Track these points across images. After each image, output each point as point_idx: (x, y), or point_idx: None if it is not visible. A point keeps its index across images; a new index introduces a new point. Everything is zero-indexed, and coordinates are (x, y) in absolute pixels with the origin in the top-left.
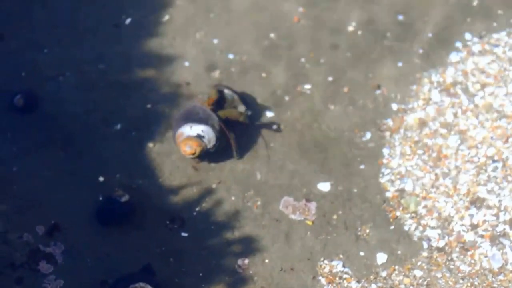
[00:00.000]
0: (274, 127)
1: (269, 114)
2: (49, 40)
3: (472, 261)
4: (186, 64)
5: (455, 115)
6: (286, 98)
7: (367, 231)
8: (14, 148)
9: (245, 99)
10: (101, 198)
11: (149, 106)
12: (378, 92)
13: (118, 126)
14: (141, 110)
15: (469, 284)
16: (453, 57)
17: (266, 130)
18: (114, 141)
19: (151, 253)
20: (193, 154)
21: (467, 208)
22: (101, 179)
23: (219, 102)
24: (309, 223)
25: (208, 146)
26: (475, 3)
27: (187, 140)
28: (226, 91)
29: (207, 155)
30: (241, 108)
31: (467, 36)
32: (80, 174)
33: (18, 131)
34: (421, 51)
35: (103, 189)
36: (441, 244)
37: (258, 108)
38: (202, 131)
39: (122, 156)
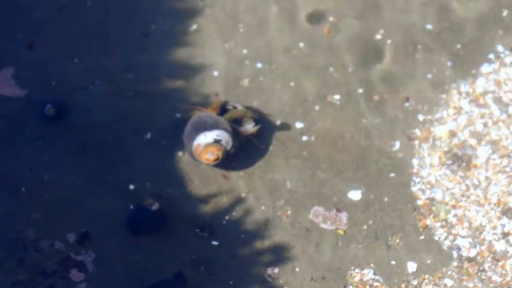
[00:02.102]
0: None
1: (298, 125)
2: (79, 50)
3: (503, 272)
4: (215, 73)
5: (485, 125)
6: (316, 108)
7: (397, 240)
8: (45, 157)
9: (257, 113)
10: (131, 207)
11: (178, 115)
12: (407, 103)
13: (148, 135)
14: (171, 119)
15: None
16: (485, 68)
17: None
18: (144, 150)
19: (181, 262)
20: (217, 159)
21: (499, 218)
22: (131, 187)
23: (223, 109)
24: (341, 232)
25: (228, 148)
26: (505, 15)
27: (207, 148)
28: (237, 105)
29: (229, 158)
30: (251, 123)
31: (500, 48)
32: (111, 182)
33: (49, 140)
34: (450, 63)
35: (133, 197)
36: (473, 253)
37: (287, 118)
38: (217, 135)
39: (152, 165)
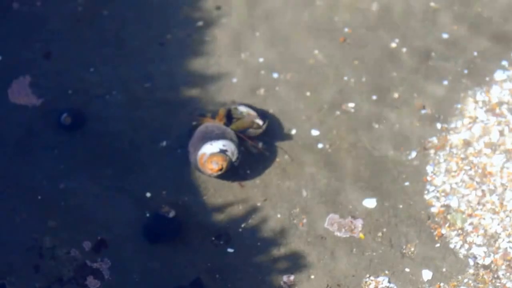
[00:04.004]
0: (260, 145)
1: (314, 133)
2: (95, 59)
3: None
4: (231, 83)
5: (501, 133)
6: (331, 116)
7: (412, 248)
8: (61, 166)
9: (265, 115)
10: (147, 215)
11: (194, 123)
12: (423, 111)
13: (164, 143)
14: (187, 127)
15: None
16: (499, 75)
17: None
18: (160, 158)
19: (197, 269)
20: (221, 169)
21: None
22: (147, 195)
23: (229, 118)
24: (362, 236)
25: (233, 159)
26: None
27: (212, 158)
28: (240, 107)
29: (233, 170)
30: (259, 121)
31: None
32: (127, 190)
33: (66, 148)
34: (466, 71)
35: (149, 205)
36: (487, 261)
37: (303, 126)
38: (223, 145)
39: (168, 173)
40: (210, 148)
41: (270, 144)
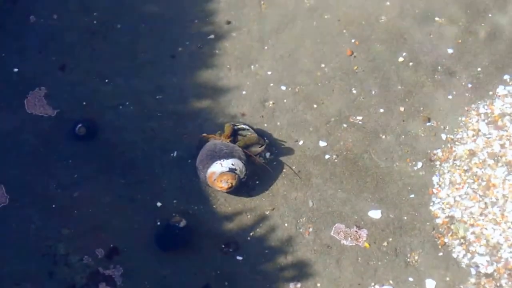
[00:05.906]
0: (268, 154)
1: (322, 144)
2: (109, 71)
3: None
4: (241, 95)
5: (502, 146)
6: (338, 128)
7: (416, 257)
8: (75, 175)
9: (262, 134)
10: (158, 223)
11: (204, 134)
12: (428, 124)
13: (175, 154)
14: (197, 138)
15: None
16: (501, 90)
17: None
18: (171, 168)
19: (207, 276)
20: (230, 187)
21: None
22: (158, 204)
23: (234, 134)
24: (367, 245)
25: (241, 176)
26: None
27: (222, 177)
28: (241, 125)
29: (240, 185)
30: (260, 141)
31: None
32: (139, 199)
33: (79, 158)
34: (470, 85)
35: (160, 214)
36: (490, 270)
37: (310, 137)
38: (232, 164)
39: (179, 183)
40: (220, 167)
41: (278, 155)
